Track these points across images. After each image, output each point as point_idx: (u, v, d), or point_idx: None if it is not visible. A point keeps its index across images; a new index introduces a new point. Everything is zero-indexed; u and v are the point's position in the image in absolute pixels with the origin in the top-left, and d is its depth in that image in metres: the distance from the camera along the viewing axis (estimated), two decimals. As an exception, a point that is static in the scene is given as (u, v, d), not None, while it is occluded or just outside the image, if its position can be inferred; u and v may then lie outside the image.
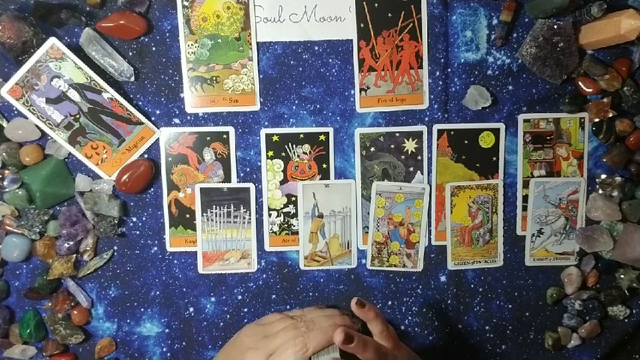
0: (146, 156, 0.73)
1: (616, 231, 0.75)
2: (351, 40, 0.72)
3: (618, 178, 0.75)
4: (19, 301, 0.73)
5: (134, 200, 0.73)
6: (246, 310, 0.76)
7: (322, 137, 0.74)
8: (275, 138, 0.74)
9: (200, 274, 0.75)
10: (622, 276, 0.77)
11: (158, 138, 0.72)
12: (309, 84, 0.73)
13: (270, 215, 0.75)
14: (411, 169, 0.75)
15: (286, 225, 0.75)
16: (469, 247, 0.76)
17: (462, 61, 0.74)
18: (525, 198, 0.76)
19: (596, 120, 0.74)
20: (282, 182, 0.74)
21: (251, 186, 0.74)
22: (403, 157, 0.75)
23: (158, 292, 0.75)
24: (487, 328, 0.78)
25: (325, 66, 0.73)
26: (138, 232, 0.74)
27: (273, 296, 0.76)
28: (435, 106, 0.74)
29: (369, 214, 0.75)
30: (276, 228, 0.75)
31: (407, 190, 0.75)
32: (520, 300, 0.78)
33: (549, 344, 0.77)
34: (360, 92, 0.73)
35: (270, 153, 0.74)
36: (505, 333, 0.78)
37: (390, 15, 0.72)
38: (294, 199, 0.75)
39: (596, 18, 0.69)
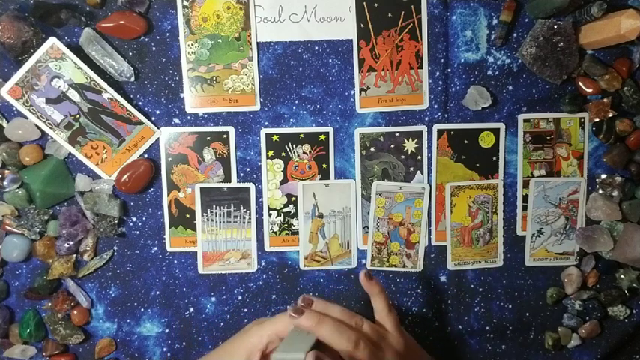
0: (146, 156, 0.73)
1: (616, 231, 0.75)
2: (351, 40, 0.72)
3: (618, 178, 0.75)
4: (19, 301, 0.73)
5: (134, 200, 0.73)
6: (246, 310, 0.76)
7: (322, 137, 0.74)
8: (275, 138, 0.74)
9: (200, 274, 0.75)
10: (622, 276, 0.77)
11: (158, 138, 0.72)
12: (309, 84, 0.73)
13: (270, 215, 0.75)
14: (411, 169, 0.75)
15: (286, 225, 0.75)
16: (469, 247, 0.76)
17: (462, 61, 0.74)
18: (525, 198, 0.76)
19: (596, 120, 0.74)
20: (282, 182, 0.74)
21: (251, 186, 0.74)
22: (403, 157, 0.75)
23: (158, 292, 0.75)
24: (487, 328, 0.78)
25: (325, 66, 0.73)
26: (138, 232, 0.74)
27: (273, 296, 0.76)
28: (435, 106, 0.74)
29: (369, 214, 0.75)
30: (276, 228, 0.75)
31: (407, 190, 0.75)
32: (520, 300, 0.78)
33: (549, 344, 0.77)
34: (360, 92, 0.73)
35: (270, 153, 0.74)
36: (505, 333, 0.78)
37: (390, 15, 0.72)
38: (294, 199, 0.75)
39: (596, 18, 0.69)
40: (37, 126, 0.69)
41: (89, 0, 0.68)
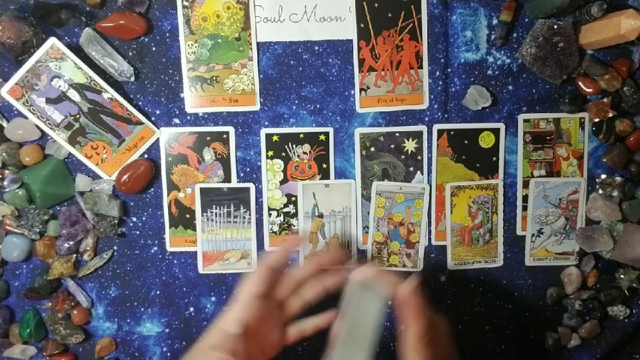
0: (146, 156, 0.73)
1: (616, 231, 0.75)
2: (351, 40, 0.72)
3: (618, 178, 0.75)
4: (19, 301, 0.73)
5: (134, 200, 0.73)
6: (246, 310, 0.76)
7: (322, 137, 0.74)
8: (275, 138, 0.74)
9: (200, 274, 0.75)
10: (622, 276, 0.77)
11: (158, 138, 0.72)
12: (309, 84, 0.73)
13: (270, 215, 0.75)
14: (411, 169, 0.75)
15: (286, 225, 0.75)
16: (469, 247, 0.76)
17: (462, 61, 0.74)
18: (525, 198, 0.76)
19: (596, 120, 0.74)
20: (282, 182, 0.74)
21: (251, 186, 0.74)
22: (403, 157, 0.75)
23: (158, 292, 0.75)
24: (487, 328, 0.78)
25: (325, 66, 0.73)
26: (138, 232, 0.74)
27: (273, 296, 0.76)
28: (435, 106, 0.74)
29: (369, 214, 0.75)
30: (276, 228, 0.75)
31: (407, 190, 0.75)
32: (520, 300, 0.78)
33: (549, 344, 0.77)
34: (360, 92, 0.73)
35: (270, 153, 0.74)
36: (505, 333, 0.78)
37: (390, 15, 0.72)
38: (294, 199, 0.75)
39: (596, 18, 0.69)
40: (37, 126, 0.69)
41: (89, 0, 0.68)
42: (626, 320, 0.79)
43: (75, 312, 0.73)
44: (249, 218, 0.74)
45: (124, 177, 0.70)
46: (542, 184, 0.76)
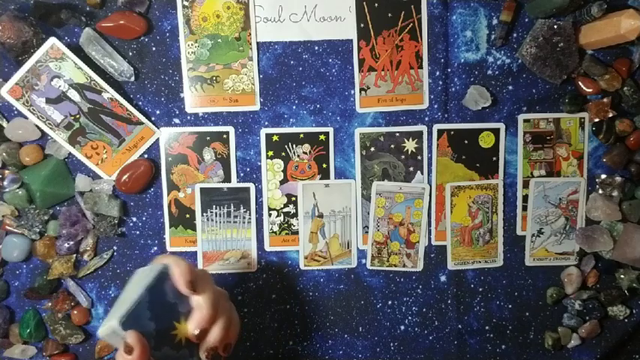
0: (146, 156, 0.73)
1: (616, 231, 0.75)
2: (351, 40, 0.72)
3: (618, 178, 0.75)
4: (19, 301, 0.73)
5: (134, 200, 0.73)
6: (246, 310, 0.76)
7: (322, 137, 0.74)
8: (275, 138, 0.74)
9: (200, 274, 0.75)
10: (622, 276, 0.77)
11: (158, 138, 0.72)
12: (309, 84, 0.73)
13: (270, 215, 0.75)
14: (411, 169, 0.75)
15: (286, 225, 0.75)
16: (469, 247, 0.76)
17: (462, 61, 0.74)
18: (525, 198, 0.76)
19: (596, 120, 0.74)
20: (282, 182, 0.74)
21: (251, 186, 0.74)
22: (403, 157, 0.75)
23: (158, 292, 0.75)
24: (487, 328, 0.78)
25: (325, 66, 0.73)
26: (138, 232, 0.74)
27: (273, 296, 0.76)
28: (435, 106, 0.74)
29: (369, 214, 0.75)
30: (276, 228, 0.75)
31: (407, 190, 0.75)
32: (520, 300, 0.78)
33: (549, 344, 0.77)
34: (360, 92, 0.73)
35: (270, 153, 0.74)
36: (505, 333, 0.78)
37: (390, 15, 0.72)
38: (294, 199, 0.75)
39: (596, 18, 0.69)
40: (37, 126, 0.69)
41: (89, 0, 0.68)
42: (626, 320, 0.79)
43: (75, 312, 0.73)
44: (249, 218, 0.74)
45: (124, 177, 0.70)
46: (542, 184, 0.76)
